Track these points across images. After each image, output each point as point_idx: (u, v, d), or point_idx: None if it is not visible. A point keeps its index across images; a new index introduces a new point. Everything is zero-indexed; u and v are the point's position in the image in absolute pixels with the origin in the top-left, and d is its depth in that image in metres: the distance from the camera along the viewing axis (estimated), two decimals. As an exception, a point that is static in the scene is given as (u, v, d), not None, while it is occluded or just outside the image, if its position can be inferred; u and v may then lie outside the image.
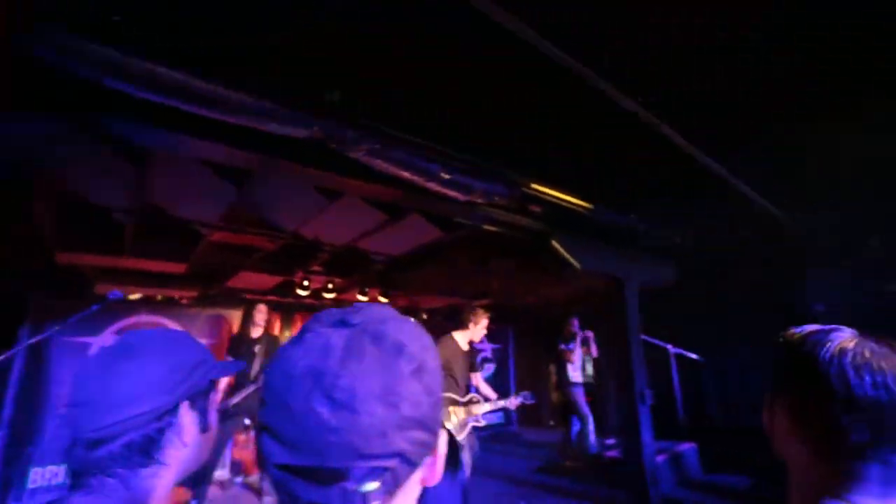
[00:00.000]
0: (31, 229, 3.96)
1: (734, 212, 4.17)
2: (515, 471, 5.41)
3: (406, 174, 2.50)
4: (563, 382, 5.66)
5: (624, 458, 4.13)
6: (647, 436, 4.05)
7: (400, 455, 0.40)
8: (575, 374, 5.67)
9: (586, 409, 5.45)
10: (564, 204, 3.05)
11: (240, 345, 4.66)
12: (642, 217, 3.65)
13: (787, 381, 0.73)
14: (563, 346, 5.81)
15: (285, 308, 8.00)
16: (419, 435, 0.42)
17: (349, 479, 0.39)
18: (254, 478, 5.04)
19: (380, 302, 6.59)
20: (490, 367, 8.07)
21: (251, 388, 4.08)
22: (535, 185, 2.82)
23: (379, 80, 2.29)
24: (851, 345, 0.66)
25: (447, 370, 3.62)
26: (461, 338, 3.73)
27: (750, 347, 5.79)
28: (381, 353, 0.42)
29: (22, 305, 4.49)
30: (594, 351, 5.93)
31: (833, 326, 0.72)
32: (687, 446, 5.01)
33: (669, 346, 5.81)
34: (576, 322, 5.99)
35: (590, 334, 5.96)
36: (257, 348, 4.56)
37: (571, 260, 3.46)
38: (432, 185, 2.59)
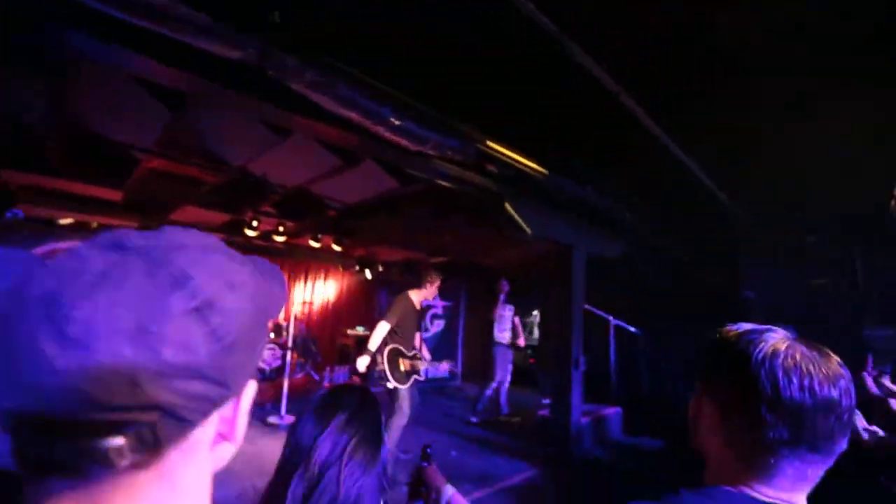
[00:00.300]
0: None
1: (686, 196, 4.26)
2: (453, 424, 5.61)
3: (354, 115, 2.34)
4: (489, 340, 5.79)
5: (552, 417, 4.34)
6: (576, 398, 4.26)
7: (161, 409, 0.33)
8: (501, 334, 5.75)
9: (498, 371, 5.58)
10: (520, 166, 2.99)
11: None
12: (596, 189, 3.64)
13: (719, 377, 0.74)
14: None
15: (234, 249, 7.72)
16: (196, 387, 0.35)
17: (84, 433, 0.31)
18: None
19: (330, 248, 6.45)
20: (440, 324, 8.20)
21: None
22: (490, 143, 2.72)
23: (332, 18, 2.10)
24: (783, 347, 0.68)
25: (400, 326, 3.79)
26: (415, 297, 3.91)
27: (684, 325, 6.15)
28: (151, 283, 0.34)
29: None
30: (520, 340, 6.04)
31: (767, 327, 0.73)
32: (612, 410, 5.32)
33: (611, 318, 6.05)
34: (505, 284, 6.01)
35: (516, 320, 6.06)
36: None
37: (522, 224, 3.44)
38: (381, 131, 2.45)
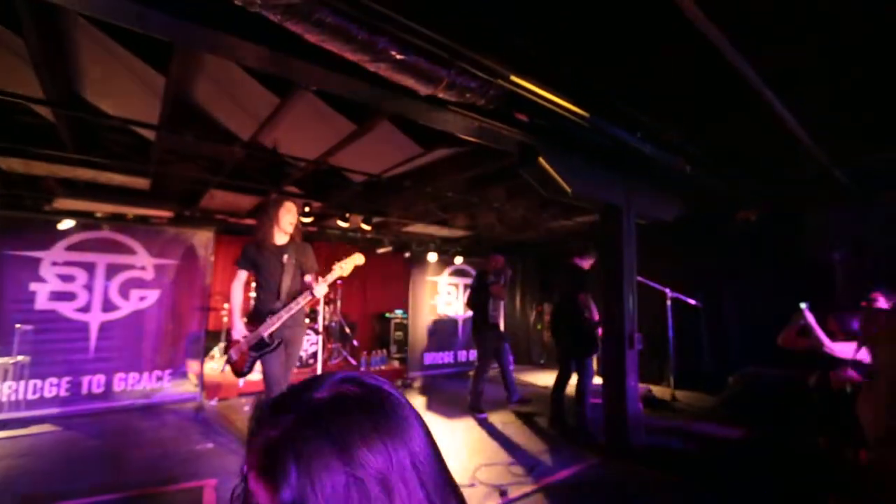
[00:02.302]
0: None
1: (760, 143, 3.56)
2: (491, 408, 5.26)
3: (348, 50, 1.95)
4: (494, 323, 5.09)
5: (605, 402, 3.86)
6: (632, 381, 3.76)
7: None
8: (495, 313, 5.02)
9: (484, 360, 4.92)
10: (555, 108, 2.49)
11: (259, 256, 3.16)
12: (649, 137, 3.07)
13: None
14: (492, 280, 5.13)
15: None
16: None
17: None
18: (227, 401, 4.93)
19: (362, 229, 6.18)
20: (479, 304, 7.79)
21: (285, 314, 3.02)
22: (516, 79, 2.25)
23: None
24: None
25: None
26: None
27: (754, 295, 5.41)
28: None
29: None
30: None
31: None
32: (675, 394, 4.76)
33: (667, 290, 5.43)
34: (500, 259, 5.23)
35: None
36: (285, 259, 3.17)
37: (561, 182, 2.95)
38: (382, 69, 2.04)
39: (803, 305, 3.19)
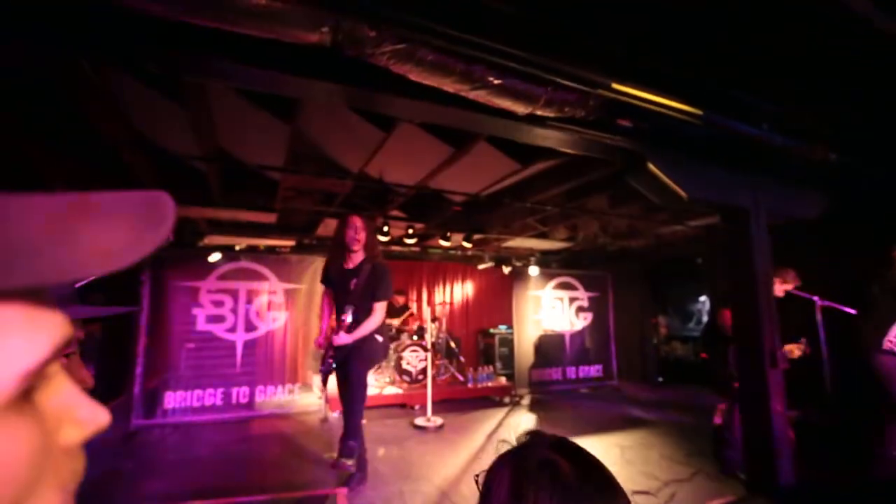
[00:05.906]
0: (133, 183, 4.33)
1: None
2: (613, 427, 4.95)
3: (448, 82, 2.04)
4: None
5: (745, 431, 3.41)
6: (777, 405, 3.28)
7: None
8: None
9: None
10: (662, 111, 2.32)
11: (333, 274, 3.17)
12: (778, 126, 2.71)
13: None
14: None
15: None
16: None
17: None
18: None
19: (463, 247, 6.29)
20: (587, 317, 7.45)
21: (340, 341, 2.99)
22: (618, 86, 2.15)
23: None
24: None
25: None
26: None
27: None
28: None
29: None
30: None
31: None
32: (832, 419, 4.04)
33: (816, 298, 4.66)
34: None
35: None
36: (352, 285, 3.05)
37: (674, 186, 2.72)
38: (481, 96, 2.09)
39: None
